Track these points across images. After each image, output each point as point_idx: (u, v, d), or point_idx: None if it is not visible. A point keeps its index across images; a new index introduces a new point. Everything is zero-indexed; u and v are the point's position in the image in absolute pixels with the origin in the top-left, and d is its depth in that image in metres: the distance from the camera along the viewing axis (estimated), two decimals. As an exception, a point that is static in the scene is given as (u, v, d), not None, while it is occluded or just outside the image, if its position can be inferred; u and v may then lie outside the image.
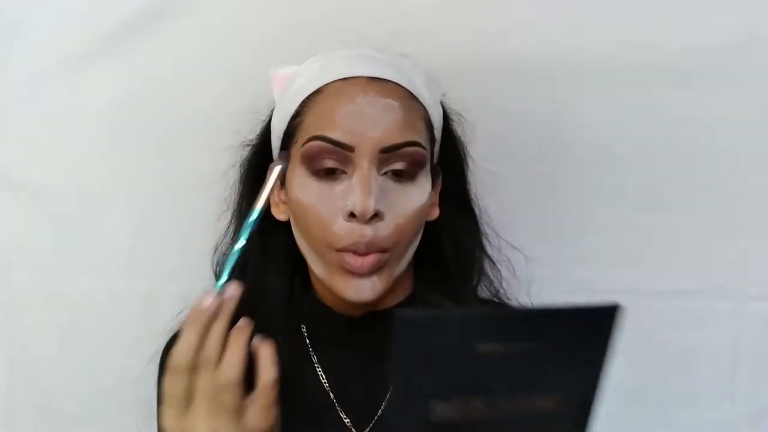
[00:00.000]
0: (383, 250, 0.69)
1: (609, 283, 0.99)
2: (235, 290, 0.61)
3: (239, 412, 0.59)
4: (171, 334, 0.79)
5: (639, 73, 0.97)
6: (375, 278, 0.70)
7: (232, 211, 0.83)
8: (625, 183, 0.99)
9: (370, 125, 0.68)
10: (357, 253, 0.69)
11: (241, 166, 0.83)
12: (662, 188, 0.99)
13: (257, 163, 0.80)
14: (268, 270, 0.78)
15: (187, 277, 0.88)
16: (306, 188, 0.70)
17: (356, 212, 0.67)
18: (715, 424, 1.03)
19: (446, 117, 0.79)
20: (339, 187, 0.69)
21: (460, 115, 0.81)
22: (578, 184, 0.99)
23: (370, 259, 0.69)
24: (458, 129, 0.82)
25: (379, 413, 0.75)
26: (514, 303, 0.85)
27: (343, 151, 0.68)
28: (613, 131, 0.98)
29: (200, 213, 0.90)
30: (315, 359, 0.78)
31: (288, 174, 0.73)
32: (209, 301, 0.59)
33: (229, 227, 0.84)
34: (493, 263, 0.84)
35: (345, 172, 0.69)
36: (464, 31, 0.96)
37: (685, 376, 1.02)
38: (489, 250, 0.84)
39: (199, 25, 0.96)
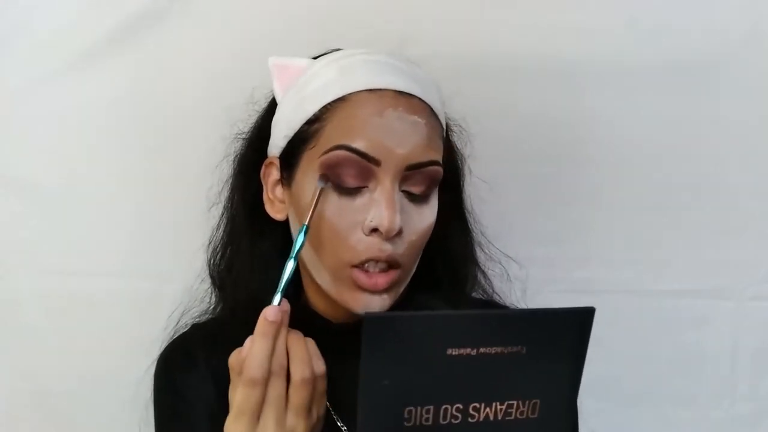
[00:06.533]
0: (398, 266, 0.69)
1: (609, 283, 1.00)
2: (287, 304, 0.63)
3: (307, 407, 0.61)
4: (167, 344, 0.79)
5: (637, 75, 0.97)
6: (385, 295, 0.69)
7: (223, 205, 0.82)
8: (625, 183, 0.99)
9: (398, 141, 0.67)
10: (371, 270, 0.68)
11: (234, 159, 0.81)
12: (662, 188, 0.99)
13: (251, 157, 0.78)
14: (256, 271, 0.76)
15: (188, 276, 0.87)
16: (324, 197, 0.68)
17: (382, 229, 0.66)
18: (715, 424, 1.03)
19: (447, 128, 0.77)
20: (359, 200, 0.68)
21: (460, 126, 0.80)
22: (578, 185, 0.99)
23: (384, 279, 0.68)
24: (457, 140, 0.80)
25: None
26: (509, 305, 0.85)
27: (368, 164, 0.66)
28: (613, 132, 0.98)
29: (201, 211, 0.89)
30: None
31: (298, 177, 0.71)
32: (275, 314, 0.61)
33: (219, 222, 0.82)
34: (485, 274, 0.83)
35: (366, 186, 0.68)
36: (464, 33, 0.96)
37: (685, 376, 1.02)
38: (482, 258, 0.83)
39: (196, 24, 0.95)
